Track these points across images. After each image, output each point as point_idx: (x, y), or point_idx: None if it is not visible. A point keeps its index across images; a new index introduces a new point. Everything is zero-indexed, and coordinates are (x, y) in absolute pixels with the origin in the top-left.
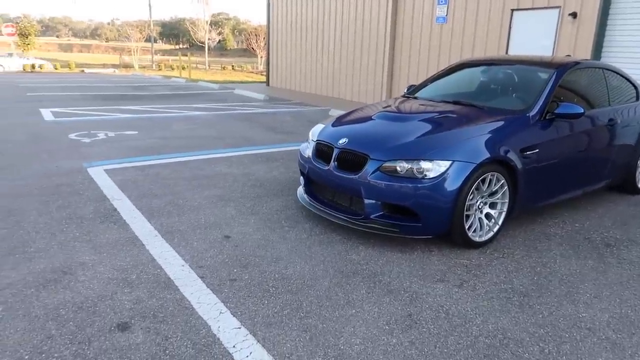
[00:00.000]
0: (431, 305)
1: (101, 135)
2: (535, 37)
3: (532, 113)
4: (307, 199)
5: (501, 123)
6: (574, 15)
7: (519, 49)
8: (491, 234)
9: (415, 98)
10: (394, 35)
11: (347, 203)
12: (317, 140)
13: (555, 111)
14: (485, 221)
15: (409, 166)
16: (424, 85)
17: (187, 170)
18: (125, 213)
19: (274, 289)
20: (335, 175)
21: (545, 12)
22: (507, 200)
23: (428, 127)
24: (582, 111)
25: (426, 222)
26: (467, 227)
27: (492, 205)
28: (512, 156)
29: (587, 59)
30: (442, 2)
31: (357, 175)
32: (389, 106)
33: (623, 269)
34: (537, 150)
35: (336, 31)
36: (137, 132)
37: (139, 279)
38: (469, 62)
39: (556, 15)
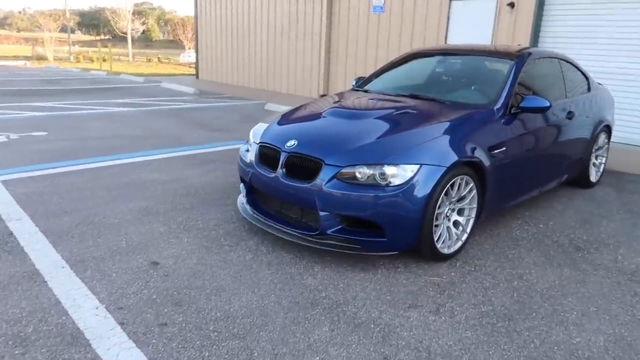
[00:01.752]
0: (408, 342)
1: (1, 138)
2: (474, 27)
3: (496, 107)
4: (250, 211)
5: (467, 120)
6: (511, 5)
7: (458, 38)
8: (459, 243)
9: (366, 92)
10: (330, 25)
11: (297, 215)
12: (260, 143)
13: (521, 105)
14: (453, 230)
15: (371, 172)
16: (374, 77)
17: (106, 177)
18: (25, 238)
19: (216, 333)
20: (283, 184)
21: (484, 2)
22: (475, 205)
23: (388, 125)
24: (549, 104)
25: (392, 237)
26: (435, 239)
27: (460, 212)
28: (482, 156)
29: (542, 49)
30: None
31: (310, 184)
32: (340, 101)
33: (601, 276)
34: (505, 148)
35: (269, 22)
36: (46, 133)
37: (36, 333)
38: (422, 52)
39: (494, 5)
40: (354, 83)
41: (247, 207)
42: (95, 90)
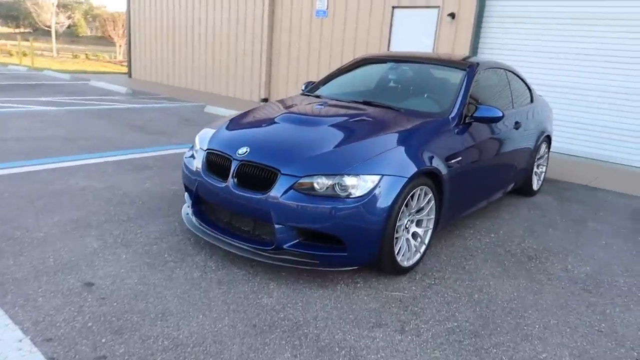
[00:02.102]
0: None
1: None
2: (416, 35)
3: (451, 117)
4: (197, 223)
5: (425, 128)
6: (452, 15)
7: (400, 46)
8: (418, 255)
9: (318, 97)
10: (271, 28)
11: (250, 228)
12: (208, 149)
13: (475, 115)
14: (412, 242)
15: (330, 183)
16: (324, 82)
17: (28, 185)
18: None
19: None
20: (235, 195)
21: (425, 11)
22: (433, 216)
23: (345, 134)
24: (502, 114)
25: (353, 251)
26: (396, 252)
27: (418, 223)
28: (440, 166)
29: (489, 59)
30: None
31: (264, 195)
32: (292, 107)
33: (555, 286)
34: (460, 157)
35: (208, 21)
36: None
37: None
38: (372, 58)
39: (436, 14)
40: (303, 87)
41: (193, 218)
42: (15, 86)
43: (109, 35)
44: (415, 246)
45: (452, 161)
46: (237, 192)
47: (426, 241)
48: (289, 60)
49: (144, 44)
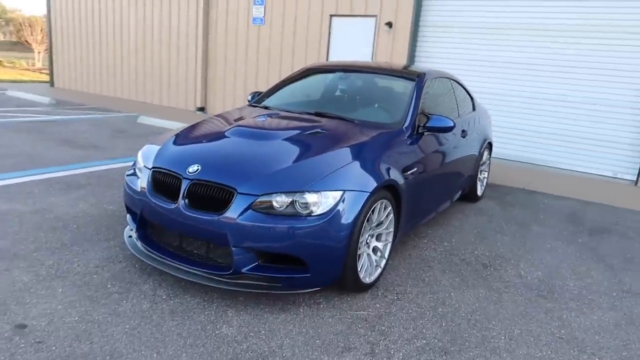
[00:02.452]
0: None
1: None
2: (355, 44)
3: (404, 127)
4: (143, 248)
5: (381, 140)
6: (389, 24)
7: (339, 54)
8: (379, 270)
9: (266, 108)
10: (206, 35)
11: (203, 252)
12: (154, 168)
13: (427, 125)
14: (373, 257)
15: (290, 200)
16: (271, 92)
17: None
18: None
19: None
20: (186, 217)
21: (363, 20)
22: (392, 229)
23: (301, 147)
24: (453, 124)
25: (316, 271)
26: (359, 269)
27: (378, 237)
28: (398, 178)
29: (435, 69)
30: (258, 2)
31: (220, 216)
32: (242, 119)
33: (512, 294)
34: (416, 168)
35: (138, 27)
36: None
37: None
38: (320, 67)
39: (373, 23)
40: (249, 98)
41: (138, 243)
42: None
43: (26, 41)
44: (376, 261)
45: (408, 172)
46: (188, 213)
47: (386, 255)
48: (226, 68)
49: (67, 50)
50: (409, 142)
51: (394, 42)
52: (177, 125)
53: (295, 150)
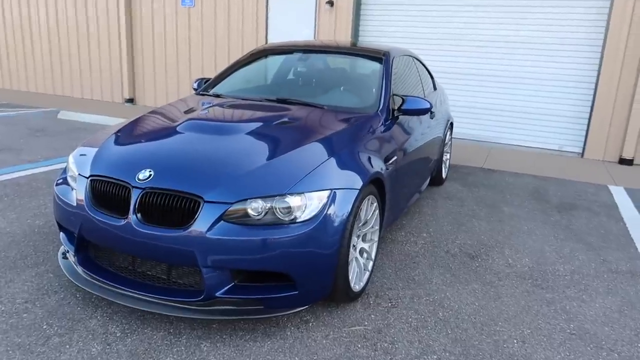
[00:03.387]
0: None
1: None
2: (295, 23)
3: (379, 111)
4: (84, 274)
5: (359, 128)
6: (330, 3)
7: (279, 37)
8: (367, 274)
9: (218, 96)
10: (130, 19)
11: (164, 274)
12: (92, 176)
13: (403, 107)
14: (360, 260)
15: (268, 206)
16: (221, 78)
17: None
18: None
19: None
20: (140, 234)
21: (302, 0)
22: (378, 227)
23: (272, 141)
24: (430, 105)
25: (305, 287)
26: (350, 276)
27: (364, 238)
28: (383, 170)
29: (395, 47)
30: None
31: (184, 231)
32: (192, 111)
33: (508, 287)
34: (395, 157)
35: (49, 8)
36: None
37: None
38: (273, 48)
39: (314, 3)
40: (195, 86)
41: (79, 268)
42: None
43: None
44: (364, 265)
45: (389, 162)
46: (143, 230)
47: (373, 256)
48: (155, 54)
49: None
50: (385, 128)
51: (336, 21)
52: (106, 120)
53: (265, 146)
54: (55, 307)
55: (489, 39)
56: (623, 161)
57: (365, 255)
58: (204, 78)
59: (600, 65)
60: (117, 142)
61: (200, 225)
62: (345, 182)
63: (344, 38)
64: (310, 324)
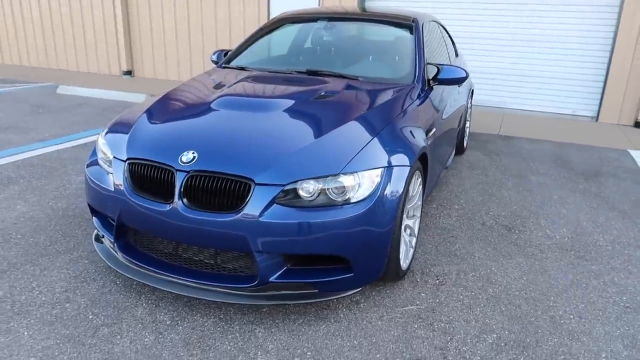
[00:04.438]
0: None
1: None
2: None
3: (416, 82)
4: (125, 260)
5: (400, 100)
6: None
7: (282, 7)
8: (412, 251)
9: (243, 69)
10: None
11: (210, 260)
12: (130, 159)
13: (439, 77)
14: (406, 237)
15: (320, 187)
16: (241, 49)
17: None
18: None
19: None
20: (188, 219)
21: None
22: (420, 203)
23: (314, 118)
24: (466, 74)
25: (360, 268)
26: (400, 255)
27: (408, 214)
28: (427, 144)
29: (421, 12)
30: None
31: (236, 216)
32: (222, 86)
33: (552, 260)
34: (435, 129)
35: None
36: None
37: None
38: (295, 16)
39: None
40: (214, 58)
41: (119, 255)
42: None
43: None
44: (408, 241)
45: (430, 134)
46: (190, 215)
47: (416, 232)
48: (152, 24)
49: None
50: (422, 99)
51: None
52: (106, 94)
53: (309, 123)
54: (97, 296)
55: (505, 2)
56: (639, 124)
57: (408, 231)
58: (223, 50)
59: (617, 27)
60: (151, 121)
61: (252, 209)
62: (396, 159)
63: (350, 4)
64: (362, 305)
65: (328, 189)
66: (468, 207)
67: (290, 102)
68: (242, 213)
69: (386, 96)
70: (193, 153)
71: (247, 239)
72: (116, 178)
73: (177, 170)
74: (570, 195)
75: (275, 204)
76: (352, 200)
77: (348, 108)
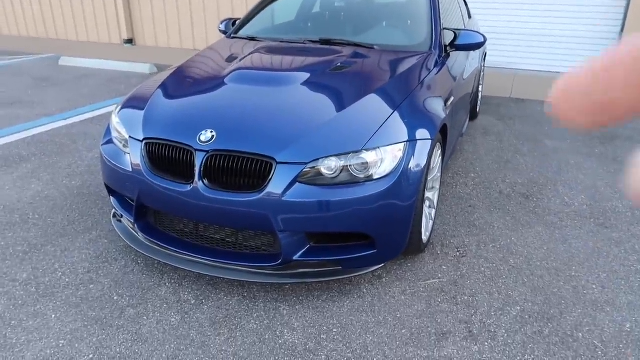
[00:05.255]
0: None
1: None
2: None
3: (433, 49)
4: (146, 241)
5: (419, 69)
6: None
7: None
8: (431, 223)
9: (254, 39)
10: None
11: (231, 239)
12: (147, 139)
13: (456, 43)
14: (426, 210)
15: (342, 164)
16: (250, 18)
17: None
18: None
19: None
20: (209, 200)
21: None
22: (440, 174)
23: (332, 91)
24: (484, 39)
25: (383, 244)
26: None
27: (427, 186)
28: (447, 115)
29: None
30: None
31: (259, 195)
32: (234, 59)
33: (572, 228)
34: (453, 98)
35: None
36: None
37: None
38: None
39: None
40: (222, 28)
41: (140, 235)
42: None
43: None
44: (429, 214)
45: (448, 104)
46: (211, 195)
47: (435, 204)
48: None
49: None
50: (440, 67)
51: None
52: (111, 65)
53: (327, 97)
54: (120, 276)
55: None
56: None
57: (428, 203)
58: (231, 19)
59: None
60: (166, 98)
61: (275, 188)
62: (418, 132)
63: None
64: (384, 279)
65: (350, 165)
66: (484, 175)
67: (306, 75)
68: (264, 192)
69: (404, 66)
70: (212, 132)
71: (270, 218)
72: (134, 158)
73: (196, 150)
74: (586, 160)
75: (297, 183)
76: (375, 177)
77: (366, 80)
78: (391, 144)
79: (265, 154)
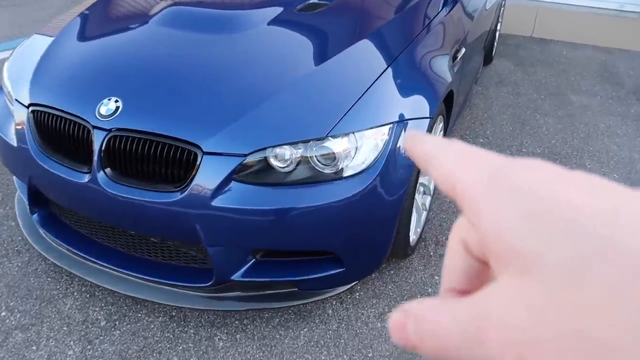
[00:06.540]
0: None
1: None
2: None
3: None
4: (47, 237)
5: (419, 12)
6: None
7: None
8: (425, 213)
9: None
10: None
11: (156, 239)
12: (34, 105)
13: None
14: (419, 200)
15: (299, 155)
16: None
17: None
18: None
19: None
20: (110, 195)
21: None
22: None
23: (296, 44)
24: None
25: (353, 262)
26: (410, 231)
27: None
28: (453, 77)
29: None
30: None
31: (180, 195)
32: None
33: None
34: (464, 50)
35: None
36: None
37: None
38: None
39: None
40: None
41: (40, 229)
42: None
43: None
44: (422, 204)
45: (457, 59)
46: (115, 192)
47: (431, 191)
48: None
49: None
50: (449, 9)
51: None
52: None
53: (287, 53)
54: (18, 278)
55: None
56: None
57: (422, 189)
58: None
59: None
60: (67, 48)
61: (200, 186)
62: (412, 108)
63: None
64: (357, 294)
65: (311, 157)
66: (496, 140)
67: (263, 18)
68: (186, 192)
69: (400, 7)
70: (116, 101)
71: (197, 229)
72: (19, 128)
73: (94, 127)
74: (620, 125)
75: (233, 181)
76: (346, 173)
77: (344, 28)
78: (372, 127)
79: (186, 139)
